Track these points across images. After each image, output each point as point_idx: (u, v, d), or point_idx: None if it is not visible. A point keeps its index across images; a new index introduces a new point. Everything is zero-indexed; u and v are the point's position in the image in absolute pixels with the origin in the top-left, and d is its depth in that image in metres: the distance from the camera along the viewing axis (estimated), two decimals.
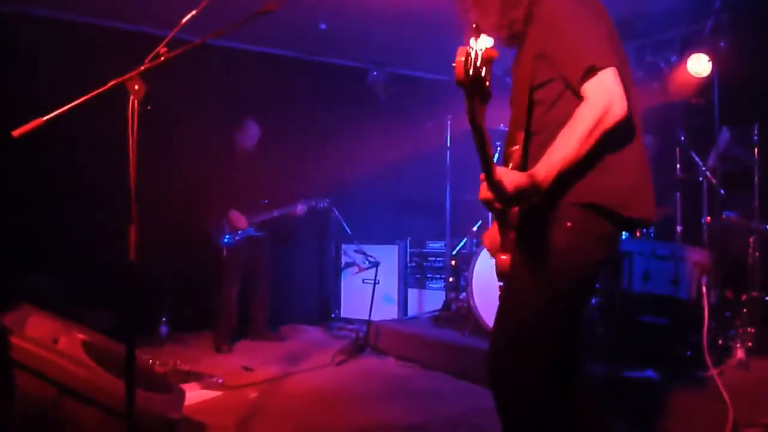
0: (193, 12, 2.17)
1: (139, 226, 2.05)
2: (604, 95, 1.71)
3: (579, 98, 1.77)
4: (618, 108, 1.71)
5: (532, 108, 1.88)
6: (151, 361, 4.20)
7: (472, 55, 1.32)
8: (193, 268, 5.61)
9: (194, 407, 3.55)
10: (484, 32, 1.35)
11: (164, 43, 2.11)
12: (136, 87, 2.01)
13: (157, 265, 4.88)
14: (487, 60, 1.35)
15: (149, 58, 2.09)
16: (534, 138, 1.88)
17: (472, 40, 1.33)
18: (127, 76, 2.03)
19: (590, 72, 1.72)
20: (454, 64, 1.34)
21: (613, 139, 1.75)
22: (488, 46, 1.35)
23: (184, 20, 2.16)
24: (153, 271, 4.75)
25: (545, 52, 1.83)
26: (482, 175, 1.61)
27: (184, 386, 3.51)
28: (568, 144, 1.70)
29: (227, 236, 5.30)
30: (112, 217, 2.74)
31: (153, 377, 3.20)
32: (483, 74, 1.34)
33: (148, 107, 2.02)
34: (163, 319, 5.49)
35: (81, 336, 2.86)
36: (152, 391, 2.78)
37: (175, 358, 4.42)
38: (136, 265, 2.05)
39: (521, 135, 1.86)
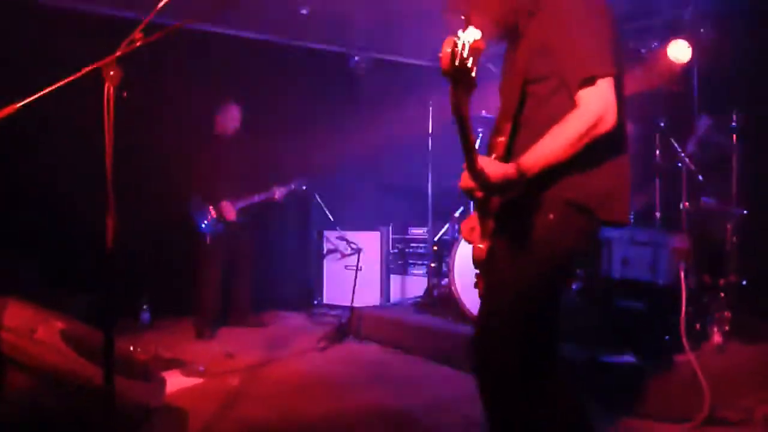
0: None
1: (118, 214, 2.02)
2: (599, 105, 1.75)
3: (573, 99, 1.79)
4: (610, 118, 1.76)
5: (524, 101, 1.89)
6: (132, 348, 4.18)
7: (459, 45, 1.33)
8: (175, 254, 5.57)
9: (175, 394, 3.53)
10: (483, 22, 1.36)
11: (141, 27, 2.06)
12: (112, 73, 1.97)
13: (138, 251, 4.84)
14: (475, 51, 1.36)
15: (125, 43, 2.05)
16: (521, 131, 1.89)
17: (459, 31, 1.34)
18: (102, 62, 1.99)
19: (590, 80, 1.75)
20: (440, 55, 1.35)
21: (601, 142, 1.77)
22: (476, 38, 1.35)
23: (162, 3, 2.12)
24: (134, 257, 4.72)
25: (547, 47, 1.84)
26: (465, 164, 1.63)
27: (166, 374, 3.50)
28: (556, 144, 1.74)
29: (208, 223, 5.26)
30: (92, 201, 2.71)
31: (134, 365, 3.18)
32: (469, 65, 1.35)
33: (124, 94, 1.99)
34: (145, 306, 5.46)
35: (59, 324, 2.82)
36: (133, 379, 2.76)
37: (156, 345, 4.40)
38: (114, 253, 2.02)
39: (508, 126, 1.87)
